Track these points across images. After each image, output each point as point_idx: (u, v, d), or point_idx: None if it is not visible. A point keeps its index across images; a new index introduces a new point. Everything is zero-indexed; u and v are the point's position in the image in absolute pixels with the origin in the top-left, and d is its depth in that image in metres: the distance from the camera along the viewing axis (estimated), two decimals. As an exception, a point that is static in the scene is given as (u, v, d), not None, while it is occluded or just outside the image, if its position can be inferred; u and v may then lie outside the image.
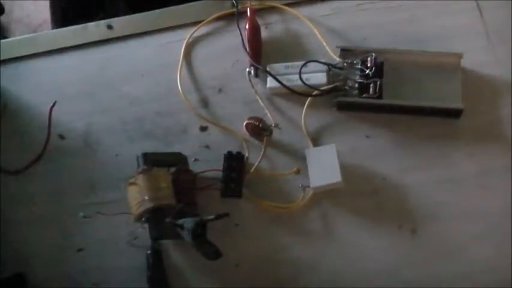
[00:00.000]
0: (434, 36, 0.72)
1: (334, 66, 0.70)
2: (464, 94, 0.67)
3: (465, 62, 0.69)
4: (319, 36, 0.73)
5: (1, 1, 1.08)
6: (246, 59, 0.74)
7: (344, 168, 0.66)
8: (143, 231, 0.65)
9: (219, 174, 0.68)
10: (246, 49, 0.74)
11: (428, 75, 0.68)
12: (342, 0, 0.76)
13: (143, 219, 0.63)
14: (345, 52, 0.71)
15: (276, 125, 0.70)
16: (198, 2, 0.79)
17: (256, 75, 0.73)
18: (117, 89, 0.76)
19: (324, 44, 0.73)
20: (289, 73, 0.71)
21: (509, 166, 0.66)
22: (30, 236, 0.71)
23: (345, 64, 0.70)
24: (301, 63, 0.71)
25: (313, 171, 0.67)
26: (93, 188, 0.72)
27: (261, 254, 0.67)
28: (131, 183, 0.63)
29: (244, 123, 0.70)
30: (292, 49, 0.75)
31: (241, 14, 0.76)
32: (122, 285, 0.68)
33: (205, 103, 0.74)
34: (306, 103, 0.71)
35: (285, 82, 0.70)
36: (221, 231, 0.68)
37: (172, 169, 0.66)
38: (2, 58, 0.79)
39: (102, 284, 0.69)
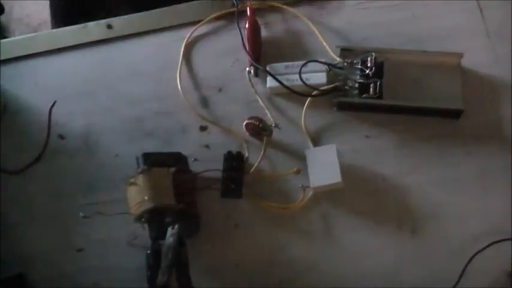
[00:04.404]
0: (434, 36, 0.72)
1: (334, 66, 0.70)
2: (464, 94, 0.67)
3: (465, 62, 0.69)
4: (319, 36, 0.73)
5: (1, 1, 1.08)
6: (245, 58, 0.74)
7: (344, 168, 0.66)
8: (143, 231, 0.65)
9: (219, 174, 0.68)
10: (245, 48, 0.74)
11: (428, 75, 0.68)
12: (342, -1, 0.77)
13: (143, 219, 0.63)
14: (345, 52, 0.71)
15: (276, 125, 0.70)
16: (198, 1, 0.79)
17: (256, 74, 0.73)
18: (117, 89, 0.77)
19: (324, 43, 0.73)
20: (289, 73, 0.71)
21: (509, 166, 0.66)
22: (30, 236, 0.71)
23: (345, 64, 0.70)
24: (301, 63, 0.71)
25: (313, 171, 0.67)
26: (93, 188, 0.72)
27: (261, 254, 0.67)
28: (131, 183, 0.63)
29: (244, 123, 0.70)
30: (292, 49, 0.75)
31: (241, 13, 0.76)
32: (122, 285, 0.68)
33: (205, 103, 0.74)
34: (306, 103, 0.71)
35: (284, 82, 0.70)
36: (221, 231, 0.69)
37: (172, 169, 0.66)
38: (2, 58, 0.79)
39: (102, 284, 0.69)
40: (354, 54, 0.70)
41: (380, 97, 0.68)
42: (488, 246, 0.63)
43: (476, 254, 0.63)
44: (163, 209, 0.63)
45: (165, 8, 0.80)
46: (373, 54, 0.69)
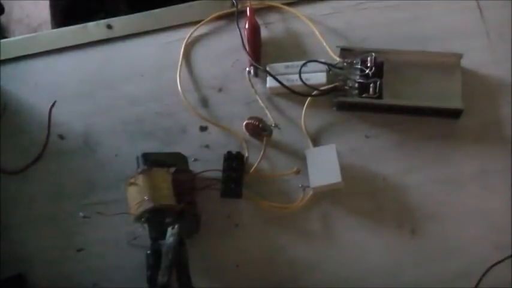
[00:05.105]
0: (434, 36, 0.72)
1: (334, 66, 0.70)
2: (464, 94, 0.67)
3: (465, 62, 0.69)
4: (319, 36, 0.73)
5: (1, 1, 1.08)
6: (245, 58, 0.74)
7: (344, 168, 0.66)
8: (143, 231, 0.65)
9: (219, 174, 0.68)
10: (245, 49, 0.74)
11: (428, 75, 0.68)
12: (342, -1, 0.77)
13: (143, 219, 0.63)
14: (344, 52, 0.71)
15: (276, 125, 0.70)
16: (198, 1, 0.79)
17: (256, 75, 0.73)
18: (117, 89, 0.76)
19: (324, 43, 0.73)
20: (289, 73, 0.71)
21: (509, 166, 0.66)
22: (30, 236, 0.71)
23: (345, 64, 0.70)
24: (301, 63, 0.71)
25: (313, 171, 0.67)
26: (93, 188, 0.72)
27: (261, 254, 0.67)
28: (131, 184, 0.63)
29: (244, 123, 0.70)
30: (292, 49, 0.75)
31: (241, 13, 0.76)
32: (122, 285, 0.68)
33: (205, 103, 0.74)
34: (306, 103, 0.71)
35: (284, 82, 0.70)
36: (221, 231, 0.69)
37: (172, 169, 0.66)
38: (2, 58, 0.79)
39: (102, 284, 0.69)
40: (353, 55, 0.70)
41: (380, 97, 0.68)
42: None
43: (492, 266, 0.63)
44: (163, 209, 0.62)
45: (165, 8, 0.80)
46: (373, 54, 0.69)
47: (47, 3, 1.10)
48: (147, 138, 0.74)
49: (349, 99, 0.69)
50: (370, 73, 0.68)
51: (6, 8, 1.14)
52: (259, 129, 0.70)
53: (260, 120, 0.70)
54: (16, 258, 0.70)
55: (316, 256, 0.66)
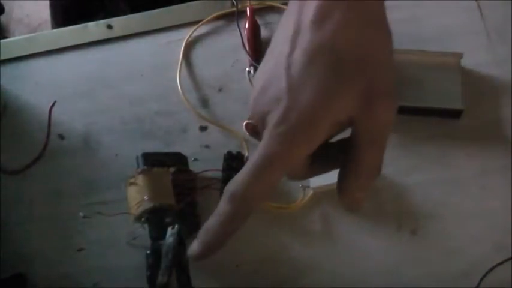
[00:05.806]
0: (434, 36, 0.72)
1: (334, 66, 0.70)
2: (464, 94, 0.67)
3: (465, 62, 0.69)
4: (319, 36, 0.73)
5: (1, 1, 1.08)
6: (246, 58, 0.74)
7: (344, 168, 0.66)
8: (143, 231, 0.65)
9: (219, 174, 0.68)
10: (245, 49, 0.74)
11: (428, 75, 0.68)
12: (341, 0, 0.76)
13: (143, 219, 0.63)
14: (345, 52, 0.71)
15: (276, 125, 0.70)
16: (198, 1, 0.79)
17: (256, 75, 0.73)
18: (117, 89, 0.76)
19: (324, 43, 0.72)
20: (289, 73, 0.71)
21: (509, 166, 0.66)
22: (30, 236, 0.71)
23: (345, 64, 0.70)
24: (301, 63, 0.70)
25: (313, 171, 0.66)
26: (93, 188, 0.72)
27: (261, 254, 0.67)
28: (131, 183, 0.63)
29: (244, 123, 0.70)
30: (292, 49, 0.75)
31: (241, 13, 0.76)
32: (122, 285, 0.68)
33: (205, 103, 0.74)
34: (306, 103, 0.71)
35: (284, 82, 0.70)
36: (221, 231, 0.68)
37: (172, 169, 0.66)
38: (2, 58, 0.79)
39: (102, 284, 0.69)
40: (354, 54, 0.70)
41: (380, 97, 0.68)
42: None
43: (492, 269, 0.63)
44: (163, 209, 0.62)
45: (164, 8, 0.80)
46: (373, 54, 0.69)
47: (47, 3, 1.10)
48: (147, 138, 0.74)
49: (349, 99, 0.69)
50: (370, 73, 0.68)
51: (6, 8, 1.14)
52: (259, 129, 0.70)
53: (260, 120, 0.70)
54: (16, 257, 0.70)
55: (316, 256, 0.66)
